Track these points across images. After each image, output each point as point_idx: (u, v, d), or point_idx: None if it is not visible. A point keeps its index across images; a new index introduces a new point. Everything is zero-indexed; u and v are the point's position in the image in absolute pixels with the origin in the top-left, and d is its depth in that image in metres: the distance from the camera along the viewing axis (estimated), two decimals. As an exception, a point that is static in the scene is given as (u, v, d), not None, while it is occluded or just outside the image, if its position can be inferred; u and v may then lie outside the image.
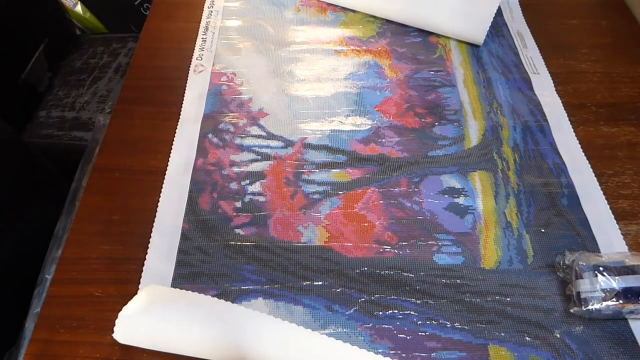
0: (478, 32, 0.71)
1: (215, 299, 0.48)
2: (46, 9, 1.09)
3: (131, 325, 0.46)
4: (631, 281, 0.46)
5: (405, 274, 0.51)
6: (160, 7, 0.80)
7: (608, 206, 0.55)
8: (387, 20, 0.77)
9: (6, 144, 0.74)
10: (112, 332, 0.47)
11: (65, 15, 1.21)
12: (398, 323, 0.48)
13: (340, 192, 0.57)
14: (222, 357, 0.45)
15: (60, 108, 0.99)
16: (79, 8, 1.24)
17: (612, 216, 0.54)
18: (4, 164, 0.72)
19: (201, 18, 0.77)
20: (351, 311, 0.49)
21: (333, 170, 0.59)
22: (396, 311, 0.48)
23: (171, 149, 0.61)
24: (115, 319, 0.47)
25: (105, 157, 0.61)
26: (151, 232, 0.54)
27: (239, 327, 0.45)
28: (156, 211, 0.55)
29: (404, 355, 0.46)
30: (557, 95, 0.66)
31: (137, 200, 0.57)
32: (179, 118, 0.64)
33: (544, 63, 0.70)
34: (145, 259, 0.52)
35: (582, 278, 0.47)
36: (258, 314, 0.46)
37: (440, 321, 0.48)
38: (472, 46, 0.72)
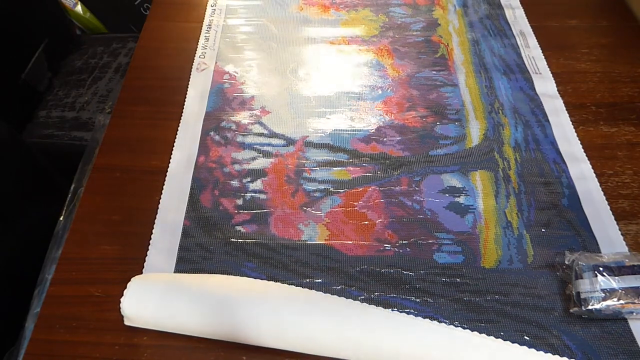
0: None
1: (229, 276, 0.49)
2: (46, 9, 1.09)
3: (140, 292, 0.46)
4: (631, 281, 0.46)
5: (405, 272, 0.51)
6: (161, 6, 0.81)
7: (608, 206, 0.55)
8: (390, 19, 0.77)
9: (6, 144, 0.74)
10: (112, 331, 0.47)
11: (65, 15, 1.21)
12: (398, 322, 0.48)
13: (341, 191, 0.57)
14: (235, 336, 0.45)
15: (60, 108, 0.99)
16: (79, 8, 1.24)
17: (612, 216, 0.54)
18: (4, 164, 0.72)
19: (202, 17, 0.77)
20: (352, 309, 0.48)
21: (334, 168, 0.59)
22: (396, 309, 0.48)
23: (171, 148, 0.61)
24: (115, 319, 0.47)
25: (105, 157, 0.61)
26: (151, 231, 0.54)
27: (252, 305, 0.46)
28: (156, 211, 0.55)
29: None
30: (558, 95, 0.66)
31: (137, 200, 0.57)
32: (180, 117, 0.64)
33: (545, 63, 0.70)
34: (145, 259, 0.52)
35: (582, 278, 0.47)
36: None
37: (440, 320, 0.48)
38: (474, 46, 0.72)
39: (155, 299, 0.46)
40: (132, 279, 0.47)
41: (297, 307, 0.45)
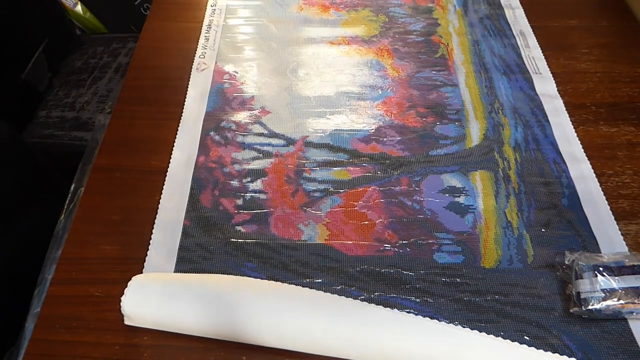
0: None
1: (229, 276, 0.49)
2: (46, 9, 1.09)
3: (141, 291, 0.47)
4: (631, 281, 0.46)
5: (405, 272, 0.51)
6: (161, 6, 0.81)
7: (608, 206, 0.55)
8: (390, 19, 0.77)
9: (6, 144, 0.74)
10: (112, 331, 0.47)
11: (65, 15, 1.21)
12: (398, 321, 0.48)
13: (341, 190, 0.57)
14: (235, 335, 0.45)
15: (60, 108, 0.99)
16: (79, 8, 1.24)
17: (612, 216, 0.54)
18: (4, 164, 0.72)
19: (202, 17, 0.78)
20: (352, 310, 0.48)
21: (334, 168, 0.59)
22: (396, 309, 0.48)
23: (171, 148, 0.61)
24: (115, 319, 0.47)
25: (105, 157, 0.61)
26: (151, 231, 0.54)
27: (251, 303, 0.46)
28: (156, 211, 0.55)
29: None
30: (558, 95, 0.66)
31: (137, 200, 0.57)
32: (180, 117, 0.64)
33: (545, 63, 0.70)
34: (145, 259, 0.52)
35: (582, 278, 0.47)
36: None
37: (440, 320, 0.48)
38: (474, 46, 0.73)
39: (155, 297, 0.46)
40: (133, 277, 0.48)
41: (297, 306, 0.45)
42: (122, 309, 0.46)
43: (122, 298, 0.46)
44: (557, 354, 0.44)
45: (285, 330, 0.44)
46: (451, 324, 0.46)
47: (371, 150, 0.61)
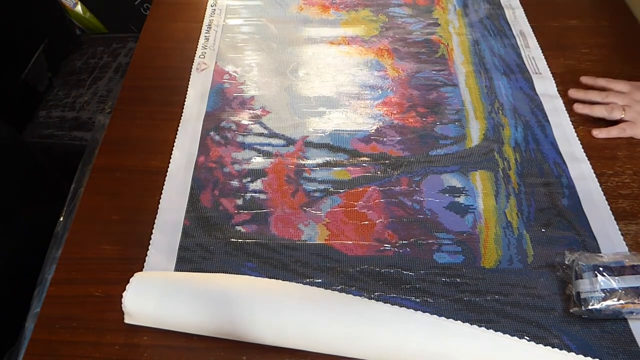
0: None
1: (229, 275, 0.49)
2: (46, 9, 1.09)
3: (142, 288, 0.47)
4: (631, 281, 0.46)
5: (405, 272, 0.51)
6: (161, 7, 0.81)
7: (608, 206, 0.55)
8: (390, 19, 0.77)
9: (6, 143, 0.74)
10: (112, 331, 0.47)
11: (65, 15, 1.21)
12: (398, 321, 0.48)
13: (341, 190, 0.57)
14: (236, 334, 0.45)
15: (60, 108, 0.99)
16: (79, 8, 1.24)
17: (612, 216, 0.54)
18: (4, 164, 0.72)
19: (202, 17, 0.78)
20: (352, 309, 0.48)
21: (334, 168, 0.59)
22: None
23: (171, 148, 0.61)
24: (115, 320, 0.47)
25: (105, 157, 0.61)
26: (151, 232, 0.54)
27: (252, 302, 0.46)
28: (156, 211, 0.55)
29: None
30: (558, 95, 0.66)
31: (137, 200, 0.57)
32: (180, 117, 0.64)
33: (545, 63, 0.70)
34: (145, 259, 0.52)
35: (582, 278, 0.47)
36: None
37: (440, 319, 0.48)
38: (474, 46, 0.73)
39: (157, 294, 0.46)
40: (135, 274, 0.48)
41: (297, 303, 0.45)
42: (123, 305, 0.46)
43: (124, 294, 0.46)
44: (556, 349, 0.44)
45: (285, 328, 0.44)
46: (451, 320, 0.46)
47: (371, 150, 0.61)
